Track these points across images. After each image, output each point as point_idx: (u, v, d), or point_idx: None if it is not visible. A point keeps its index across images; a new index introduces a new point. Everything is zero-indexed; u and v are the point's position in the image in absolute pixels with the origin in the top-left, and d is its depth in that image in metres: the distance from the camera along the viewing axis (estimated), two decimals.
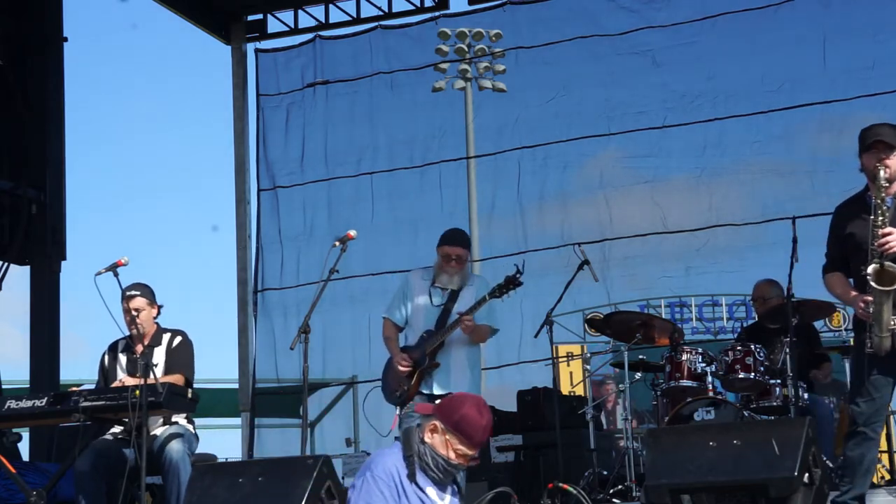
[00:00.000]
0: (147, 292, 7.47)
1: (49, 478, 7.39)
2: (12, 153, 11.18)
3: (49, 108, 11.41)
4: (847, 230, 6.24)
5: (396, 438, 7.00)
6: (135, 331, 7.37)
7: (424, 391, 7.41)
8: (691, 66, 10.86)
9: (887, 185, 6.05)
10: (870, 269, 5.96)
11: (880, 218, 6.01)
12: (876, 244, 5.98)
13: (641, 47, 10.91)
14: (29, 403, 7.04)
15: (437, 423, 4.92)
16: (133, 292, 7.39)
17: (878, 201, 6.03)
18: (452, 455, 4.94)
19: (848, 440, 6.20)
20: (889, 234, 5.98)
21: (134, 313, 7.35)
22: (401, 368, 7.41)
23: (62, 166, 11.48)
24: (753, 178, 10.79)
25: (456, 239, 7.64)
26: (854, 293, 6.20)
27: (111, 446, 7.16)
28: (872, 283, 5.95)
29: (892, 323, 5.99)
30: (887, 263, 5.95)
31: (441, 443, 4.91)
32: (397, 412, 7.59)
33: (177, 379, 7.21)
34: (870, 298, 6.01)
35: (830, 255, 6.43)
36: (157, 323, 7.52)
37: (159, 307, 7.53)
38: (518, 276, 7.38)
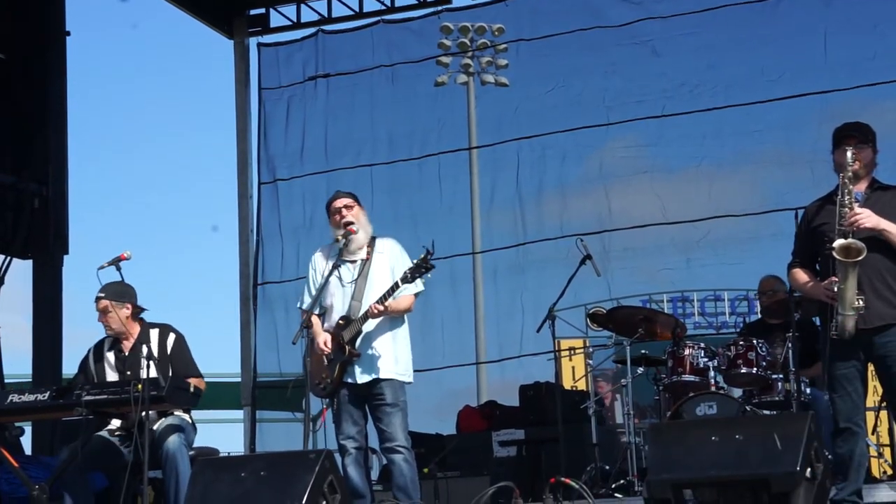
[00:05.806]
0: (114, 293, 7.32)
1: (51, 471, 7.40)
2: (15, 147, 11.17)
3: (52, 102, 11.39)
4: (817, 221, 6.36)
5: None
6: (110, 332, 7.37)
7: (349, 380, 7.05)
8: (691, 56, 10.80)
9: (854, 164, 6.18)
10: (836, 244, 6.06)
11: (847, 198, 6.13)
12: (844, 222, 6.09)
13: (641, 37, 10.84)
14: (31, 397, 7.05)
15: None
16: (98, 294, 7.34)
17: (846, 181, 6.15)
18: None
19: (835, 438, 6.24)
20: (859, 213, 6.10)
21: (101, 315, 7.34)
22: (324, 349, 7.01)
23: (65, 161, 11.45)
24: (754, 168, 10.75)
25: (337, 194, 7.33)
26: (820, 283, 6.28)
27: (98, 441, 7.15)
28: (838, 257, 6.01)
29: (857, 302, 6.04)
30: (852, 240, 6.04)
31: None
32: (324, 405, 7.35)
33: (199, 382, 7.25)
34: (835, 279, 6.06)
35: (797, 250, 6.57)
36: (141, 319, 7.44)
37: (135, 306, 7.40)
38: (428, 257, 6.92)
